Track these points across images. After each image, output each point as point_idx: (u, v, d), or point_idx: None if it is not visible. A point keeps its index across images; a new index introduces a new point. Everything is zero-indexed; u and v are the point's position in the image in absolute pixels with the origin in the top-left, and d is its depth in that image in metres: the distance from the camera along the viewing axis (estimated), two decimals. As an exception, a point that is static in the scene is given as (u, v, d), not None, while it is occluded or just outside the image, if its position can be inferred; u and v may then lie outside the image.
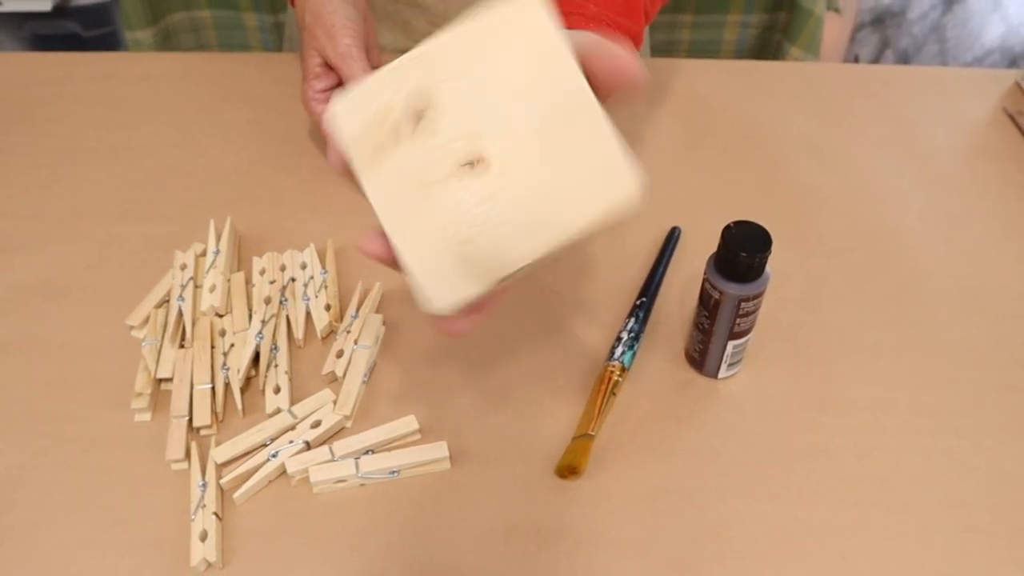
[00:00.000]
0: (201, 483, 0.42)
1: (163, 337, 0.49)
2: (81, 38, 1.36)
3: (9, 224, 0.58)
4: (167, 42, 0.91)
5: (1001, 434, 0.46)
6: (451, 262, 0.33)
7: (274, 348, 0.49)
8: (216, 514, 0.41)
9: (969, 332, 0.52)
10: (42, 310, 0.52)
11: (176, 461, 0.44)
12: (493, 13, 0.32)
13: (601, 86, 0.33)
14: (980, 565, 0.41)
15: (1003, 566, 0.41)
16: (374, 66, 0.59)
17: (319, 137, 0.64)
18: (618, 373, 0.47)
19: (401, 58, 0.33)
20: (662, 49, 0.92)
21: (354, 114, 0.34)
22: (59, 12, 1.32)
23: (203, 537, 0.40)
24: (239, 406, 0.46)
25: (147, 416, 0.46)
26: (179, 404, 0.45)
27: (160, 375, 0.47)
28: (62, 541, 0.41)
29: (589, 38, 0.33)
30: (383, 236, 0.34)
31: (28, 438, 0.45)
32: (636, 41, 0.47)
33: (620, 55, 0.32)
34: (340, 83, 0.57)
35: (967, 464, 0.45)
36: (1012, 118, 0.68)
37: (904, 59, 1.37)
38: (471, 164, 0.32)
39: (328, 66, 0.56)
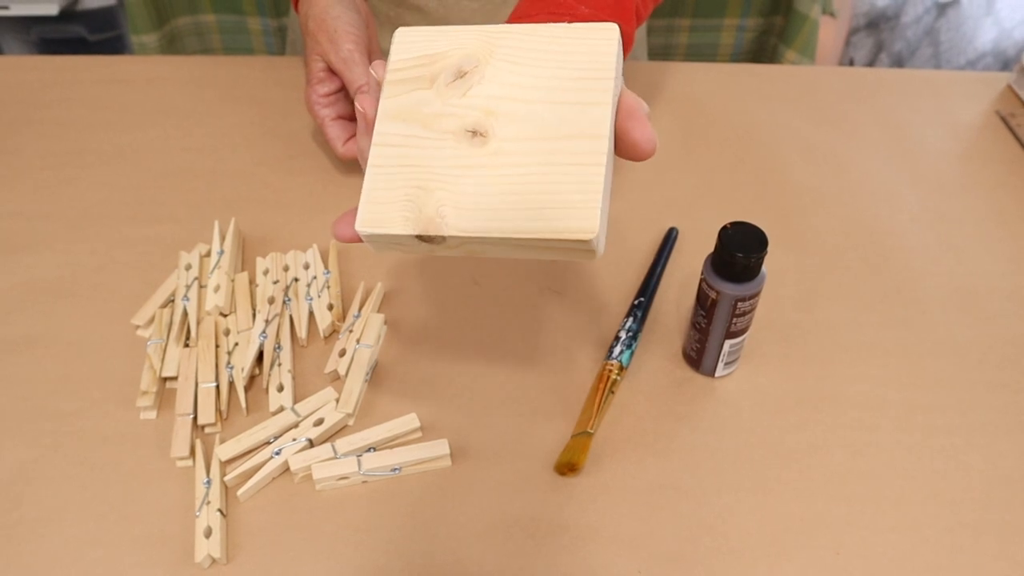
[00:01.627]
0: (206, 480, 0.43)
1: (168, 336, 0.49)
2: (87, 42, 1.37)
3: (19, 225, 0.58)
4: (172, 46, 0.92)
5: (993, 431, 0.47)
6: (399, 198, 0.34)
7: (277, 347, 0.49)
8: (220, 511, 0.42)
9: (961, 331, 0.52)
10: (51, 309, 0.53)
11: (181, 458, 0.44)
12: (575, 27, 0.35)
13: (616, 142, 0.35)
14: (972, 561, 0.41)
15: (996, 562, 0.41)
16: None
17: (322, 139, 0.65)
18: (616, 371, 0.47)
19: (477, 26, 0.36)
20: (659, 52, 0.93)
21: (409, 46, 0.37)
22: (65, 16, 1.32)
23: (207, 533, 0.41)
24: (243, 404, 0.47)
25: (152, 414, 0.47)
26: (184, 402, 0.46)
27: (165, 374, 0.47)
28: (68, 537, 0.42)
29: (631, 96, 0.35)
30: (352, 217, 0.35)
31: (36, 435, 0.46)
32: (627, 42, 0.47)
33: (644, 131, 0.34)
34: (343, 87, 0.58)
35: (959, 461, 0.45)
36: (1005, 120, 0.69)
37: (898, 62, 1.38)
38: (474, 133, 0.34)
39: (331, 71, 0.57)
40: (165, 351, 0.49)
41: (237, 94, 0.70)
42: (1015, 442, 0.46)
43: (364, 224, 0.34)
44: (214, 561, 0.40)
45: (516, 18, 0.46)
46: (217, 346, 0.49)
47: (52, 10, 1.28)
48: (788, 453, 0.46)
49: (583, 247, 0.32)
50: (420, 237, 0.33)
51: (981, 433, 0.47)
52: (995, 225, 0.60)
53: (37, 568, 0.40)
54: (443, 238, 0.33)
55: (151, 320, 0.51)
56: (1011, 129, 0.68)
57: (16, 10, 1.29)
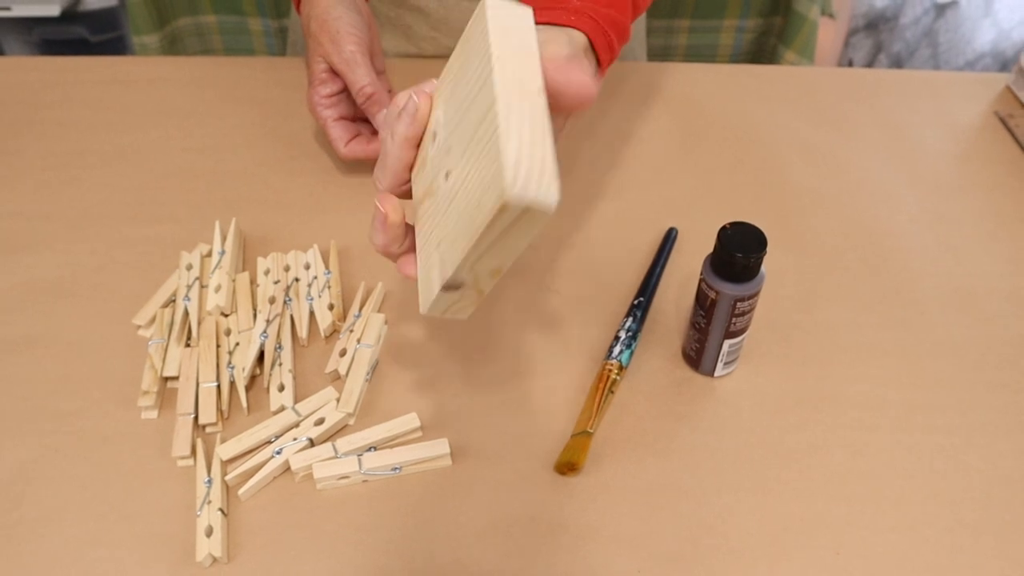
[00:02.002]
0: (207, 480, 0.43)
1: (170, 336, 0.50)
2: (89, 42, 1.37)
3: (20, 225, 0.59)
4: (173, 46, 0.92)
5: (993, 431, 0.47)
6: (430, 268, 0.36)
7: (278, 347, 0.50)
8: (221, 510, 0.42)
9: (960, 331, 0.52)
10: (52, 309, 0.53)
11: (182, 458, 0.44)
12: (473, 20, 0.35)
13: (560, 103, 0.34)
14: (972, 561, 0.41)
15: (995, 561, 0.41)
16: (378, 71, 0.60)
17: (323, 140, 0.65)
18: (616, 371, 0.47)
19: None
20: (659, 53, 0.93)
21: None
22: (67, 17, 1.33)
23: (208, 533, 0.41)
24: (244, 404, 0.47)
25: (154, 413, 0.47)
26: (185, 402, 0.46)
27: (167, 373, 0.47)
28: (70, 536, 0.42)
29: (557, 53, 0.34)
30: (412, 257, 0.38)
31: (37, 435, 0.46)
32: (624, 34, 0.46)
33: (573, 76, 0.34)
34: (345, 88, 0.58)
35: (958, 461, 0.45)
36: (1003, 121, 0.69)
37: (897, 63, 1.38)
38: (447, 175, 0.34)
39: (333, 72, 0.57)
40: (166, 351, 0.49)
41: (238, 95, 0.70)
42: (1015, 442, 0.46)
43: (425, 305, 0.36)
44: (215, 560, 0.40)
45: None
46: (218, 346, 0.49)
47: (54, 11, 1.29)
48: (788, 453, 0.46)
49: (513, 214, 0.29)
50: (445, 289, 0.34)
51: (981, 433, 0.47)
52: (994, 226, 0.60)
53: (37, 568, 0.40)
54: (456, 277, 0.34)
55: (152, 320, 0.51)
56: (1010, 130, 0.68)
57: (18, 11, 1.29)
